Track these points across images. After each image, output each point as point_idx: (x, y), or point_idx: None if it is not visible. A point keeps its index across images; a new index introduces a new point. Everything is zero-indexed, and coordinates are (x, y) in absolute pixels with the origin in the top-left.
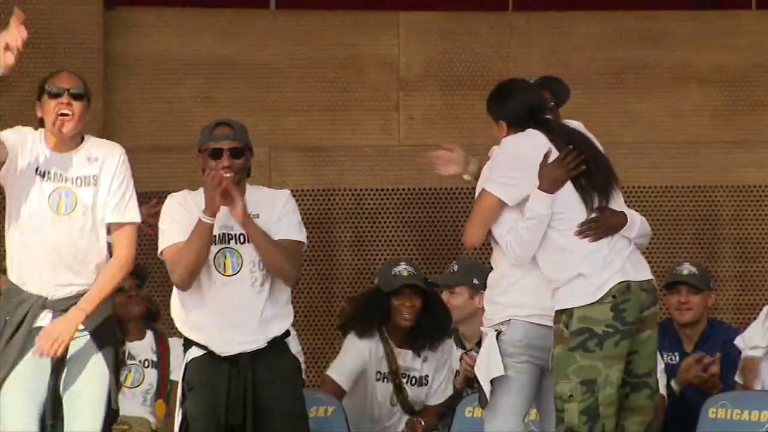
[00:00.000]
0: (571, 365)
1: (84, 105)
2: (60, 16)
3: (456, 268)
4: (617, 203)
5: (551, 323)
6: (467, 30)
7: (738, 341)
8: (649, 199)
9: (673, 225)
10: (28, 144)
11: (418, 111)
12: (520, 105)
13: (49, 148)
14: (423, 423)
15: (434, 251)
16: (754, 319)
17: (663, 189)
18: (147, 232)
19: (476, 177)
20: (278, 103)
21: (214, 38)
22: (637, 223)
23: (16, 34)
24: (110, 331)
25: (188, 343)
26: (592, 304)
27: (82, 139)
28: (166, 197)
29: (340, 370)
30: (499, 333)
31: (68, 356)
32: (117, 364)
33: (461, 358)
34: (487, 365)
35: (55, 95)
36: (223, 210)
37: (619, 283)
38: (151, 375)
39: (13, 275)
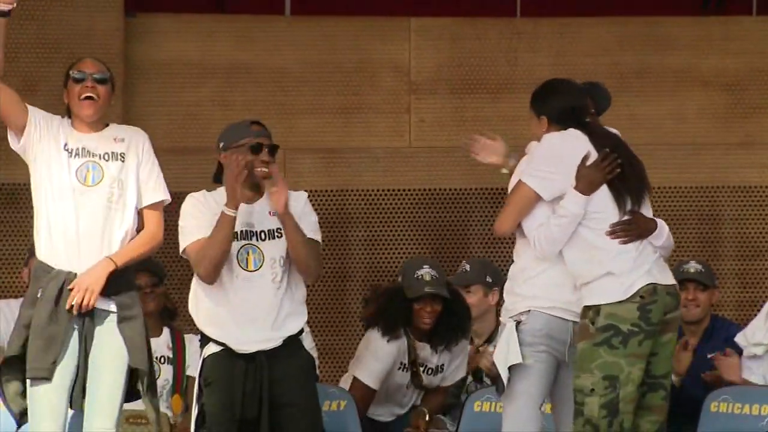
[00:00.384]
0: (595, 360)
1: (108, 89)
2: (81, 23)
3: (468, 267)
4: (647, 210)
5: (570, 317)
6: (476, 35)
7: (739, 338)
8: (653, 199)
9: (676, 224)
10: (55, 123)
11: (429, 114)
12: (564, 103)
13: (75, 131)
14: (427, 413)
15: (445, 250)
16: (755, 315)
17: (666, 189)
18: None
19: (512, 172)
20: (293, 106)
21: (231, 43)
22: (664, 233)
23: None
24: (135, 305)
25: (205, 340)
26: (620, 302)
27: (107, 125)
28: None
29: (372, 374)
30: (518, 323)
31: (94, 337)
32: (146, 338)
33: (471, 357)
34: (506, 353)
35: (79, 80)
36: (246, 207)
37: (647, 284)
38: (167, 371)
39: (41, 252)
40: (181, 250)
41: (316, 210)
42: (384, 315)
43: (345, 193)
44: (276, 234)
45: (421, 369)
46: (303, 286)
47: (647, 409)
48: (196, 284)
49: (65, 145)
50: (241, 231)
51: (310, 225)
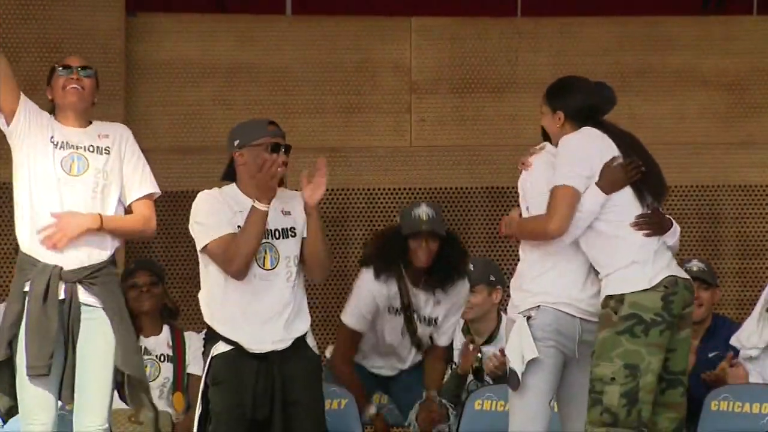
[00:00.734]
0: (617, 348)
1: (92, 83)
2: (83, 22)
3: (472, 267)
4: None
5: (578, 314)
6: (477, 35)
7: (734, 341)
8: None
9: (677, 223)
10: (44, 117)
11: (429, 113)
12: (583, 101)
13: (61, 125)
14: (434, 409)
15: None
16: None
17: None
18: None
19: None
20: (294, 106)
21: (232, 43)
22: (677, 232)
23: None
24: (121, 306)
25: (214, 338)
26: (645, 290)
27: (90, 122)
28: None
29: (354, 315)
30: (528, 318)
31: (80, 332)
32: (130, 331)
33: (465, 351)
34: (520, 349)
35: (65, 72)
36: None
37: (669, 275)
38: (167, 369)
39: (25, 244)
40: (200, 246)
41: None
42: (379, 254)
43: (346, 192)
44: (290, 233)
45: (415, 317)
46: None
47: (666, 406)
48: (211, 282)
49: (51, 137)
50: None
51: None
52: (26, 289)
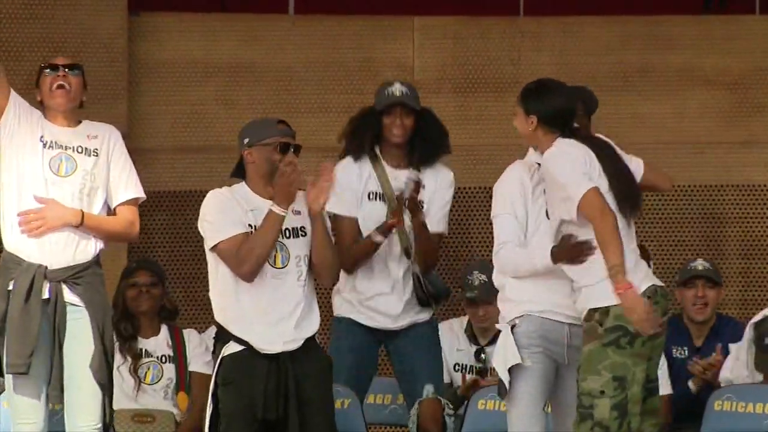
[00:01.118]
0: (603, 361)
1: (79, 80)
2: (86, 22)
3: (484, 278)
4: (631, 224)
5: (564, 320)
6: (480, 34)
7: (722, 379)
8: (656, 198)
9: (680, 223)
10: (35, 115)
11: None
12: (557, 105)
13: (50, 123)
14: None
15: (446, 249)
16: (756, 314)
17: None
18: None
19: None
20: (297, 105)
21: (235, 42)
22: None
23: None
24: (105, 307)
25: (225, 338)
26: None
27: (80, 122)
28: (188, 196)
29: (339, 203)
30: (513, 327)
31: (67, 331)
32: (109, 336)
33: (470, 383)
34: (504, 356)
35: (51, 72)
36: (268, 204)
37: (649, 285)
38: (170, 370)
39: (9, 243)
40: (210, 245)
41: None
42: (353, 132)
43: None
44: (300, 232)
45: (396, 198)
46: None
47: (649, 413)
48: (223, 282)
49: (41, 136)
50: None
51: (328, 228)
52: (10, 287)
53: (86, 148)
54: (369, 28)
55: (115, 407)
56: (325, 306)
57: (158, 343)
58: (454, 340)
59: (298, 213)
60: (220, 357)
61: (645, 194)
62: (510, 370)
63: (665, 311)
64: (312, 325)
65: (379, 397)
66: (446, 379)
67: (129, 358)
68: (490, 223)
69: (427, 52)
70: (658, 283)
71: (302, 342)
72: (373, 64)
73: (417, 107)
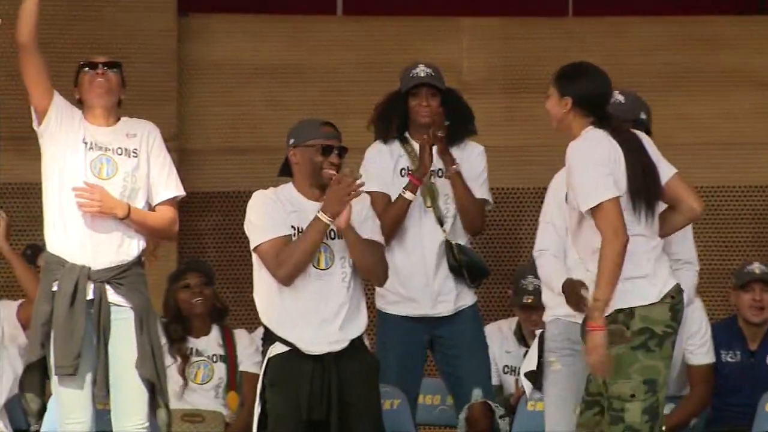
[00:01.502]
0: (633, 364)
1: (118, 77)
2: (135, 24)
3: (538, 283)
4: (654, 217)
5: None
6: (527, 35)
7: None
8: (705, 200)
9: (729, 225)
10: (77, 116)
11: (480, 113)
12: (594, 89)
13: (89, 124)
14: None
15: (496, 249)
16: None
17: (719, 189)
18: None
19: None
20: (344, 106)
21: (283, 43)
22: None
23: None
24: (148, 306)
25: (270, 339)
26: (653, 304)
27: (118, 119)
28: (235, 197)
29: (373, 180)
30: (543, 331)
31: (111, 331)
32: (155, 335)
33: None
34: (527, 361)
35: (90, 69)
36: (316, 206)
37: (674, 284)
38: (221, 369)
39: (53, 245)
40: (252, 246)
41: None
42: (380, 116)
43: None
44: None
45: (430, 174)
46: (362, 289)
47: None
48: (266, 283)
49: (83, 138)
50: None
51: (374, 228)
52: (54, 288)
53: (126, 149)
54: (417, 30)
55: None
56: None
57: (209, 343)
58: (503, 342)
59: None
60: (266, 358)
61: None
62: (543, 374)
63: (684, 308)
64: (358, 326)
65: (428, 397)
66: (495, 382)
67: (178, 359)
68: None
69: (475, 53)
70: (677, 280)
71: (348, 343)
72: None
73: (442, 87)
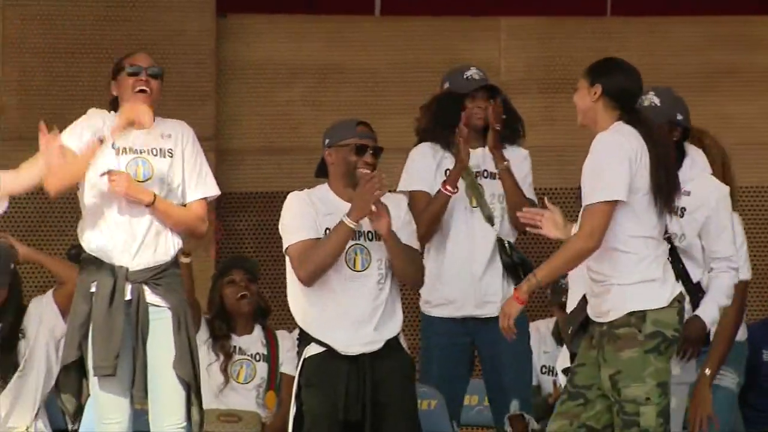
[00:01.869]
0: (647, 368)
1: (160, 84)
2: (174, 24)
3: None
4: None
5: None
6: (566, 34)
7: None
8: (745, 200)
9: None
10: (98, 124)
11: (519, 113)
12: (624, 81)
13: None
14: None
15: (535, 249)
16: None
17: (759, 189)
18: None
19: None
20: (383, 106)
21: (322, 44)
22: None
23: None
24: (185, 306)
25: (306, 340)
26: (664, 307)
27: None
28: (275, 197)
29: (417, 180)
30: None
31: (149, 332)
32: (192, 336)
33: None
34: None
35: (134, 73)
36: (349, 206)
37: (679, 290)
38: (263, 369)
39: (91, 246)
40: (284, 248)
41: None
42: (434, 121)
43: None
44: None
45: (475, 174)
46: (398, 290)
47: None
48: (300, 285)
49: (112, 144)
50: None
51: (411, 234)
52: (93, 289)
53: (161, 149)
54: (455, 29)
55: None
56: (409, 305)
57: (252, 342)
58: (541, 342)
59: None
60: (302, 358)
61: (737, 196)
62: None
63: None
64: (393, 327)
65: (466, 397)
66: (534, 382)
67: (221, 356)
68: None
69: (513, 52)
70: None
71: (383, 344)
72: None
73: (499, 89)
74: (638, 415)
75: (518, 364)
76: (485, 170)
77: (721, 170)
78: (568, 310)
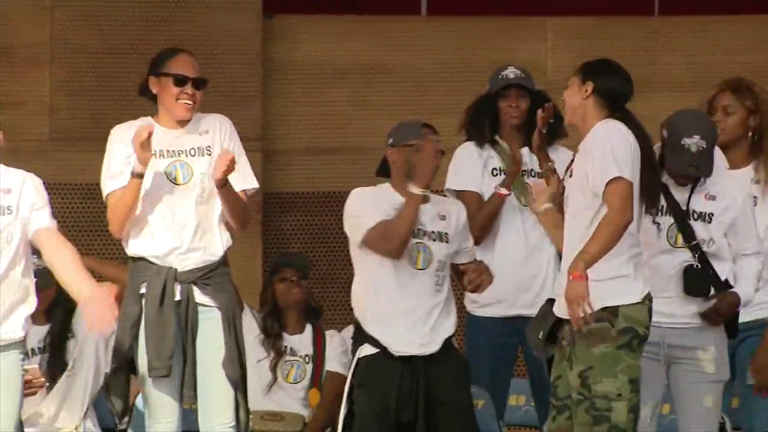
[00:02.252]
0: (619, 363)
1: (202, 92)
2: (221, 25)
3: None
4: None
5: (661, 320)
6: (613, 34)
7: None
8: None
9: None
10: (131, 145)
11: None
12: (618, 85)
13: (160, 126)
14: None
15: None
16: None
17: None
18: None
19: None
20: (428, 106)
21: (368, 44)
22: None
23: None
24: (234, 306)
25: (361, 339)
26: (635, 303)
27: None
28: (321, 196)
29: (462, 179)
30: None
31: (199, 332)
32: (241, 336)
33: None
34: None
35: (181, 82)
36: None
37: (648, 289)
38: (311, 369)
39: (140, 248)
40: (357, 239)
41: None
42: (472, 122)
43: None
44: (444, 238)
45: (522, 173)
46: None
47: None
48: (364, 280)
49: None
50: (414, 230)
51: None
52: (142, 291)
53: (199, 148)
54: (502, 29)
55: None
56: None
57: (303, 342)
58: None
59: (444, 218)
60: (356, 358)
61: None
62: None
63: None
64: (448, 328)
65: (513, 398)
66: None
67: (271, 353)
68: None
69: (560, 52)
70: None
71: (437, 345)
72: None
73: (531, 88)
74: (609, 410)
75: None
76: (532, 169)
77: None
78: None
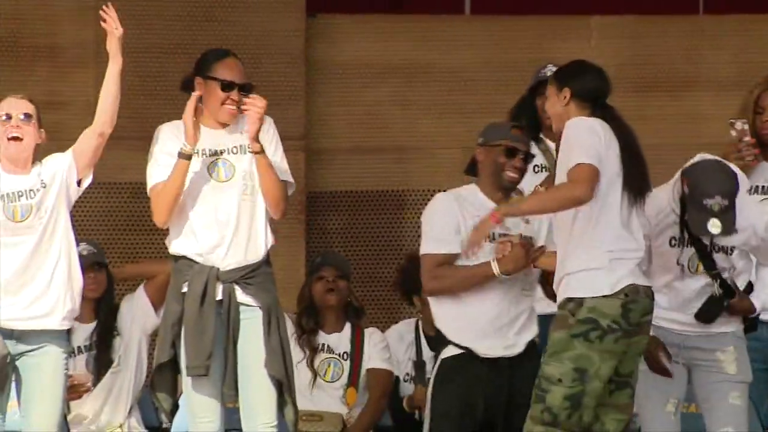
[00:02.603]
0: (568, 351)
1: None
2: (264, 24)
3: None
4: (641, 210)
5: (668, 326)
6: (658, 33)
7: None
8: None
9: None
10: (180, 134)
11: None
12: (594, 84)
13: (204, 127)
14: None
15: None
16: None
17: None
18: None
19: None
20: (471, 106)
21: (411, 43)
22: None
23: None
24: (276, 305)
25: (444, 341)
26: (605, 296)
27: None
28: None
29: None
30: None
31: (240, 331)
32: (284, 335)
33: None
34: None
35: (227, 88)
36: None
37: (630, 283)
38: (347, 366)
39: (183, 248)
40: (421, 253)
41: None
42: (512, 118)
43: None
44: (530, 243)
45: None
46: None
47: (614, 407)
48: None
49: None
50: (500, 234)
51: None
52: (184, 290)
53: (241, 146)
54: (545, 28)
55: None
56: None
57: (341, 340)
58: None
59: (527, 222)
60: (439, 359)
61: None
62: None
63: (645, 312)
64: (532, 330)
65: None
66: None
67: (307, 351)
68: None
69: (604, 51)
70: (644, 282)
71: (521, 347)
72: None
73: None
74: (547, 392)
75: None
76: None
77: None
78: None
